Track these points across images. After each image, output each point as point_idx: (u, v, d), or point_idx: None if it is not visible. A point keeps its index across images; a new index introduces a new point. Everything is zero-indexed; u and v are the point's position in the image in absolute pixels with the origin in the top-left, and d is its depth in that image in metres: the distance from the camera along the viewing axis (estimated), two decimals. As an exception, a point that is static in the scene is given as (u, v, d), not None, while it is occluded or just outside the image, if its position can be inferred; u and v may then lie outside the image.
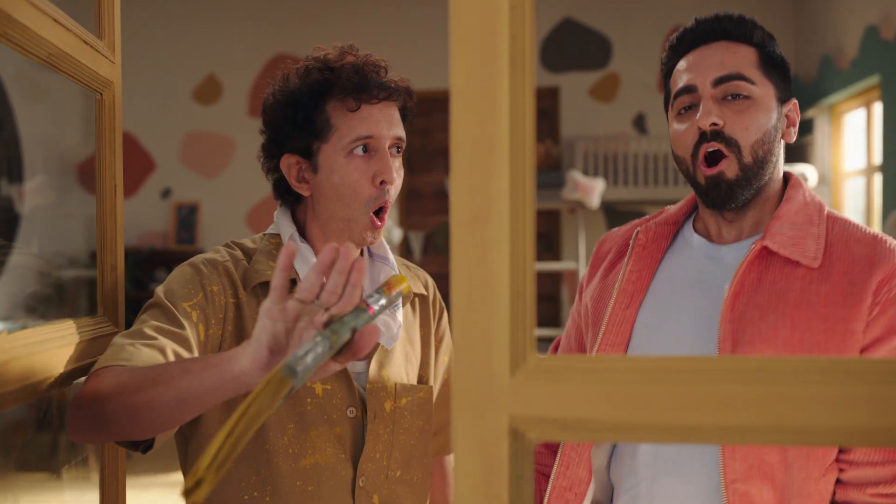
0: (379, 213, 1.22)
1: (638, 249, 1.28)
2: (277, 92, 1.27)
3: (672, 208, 1.33)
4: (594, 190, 4.95)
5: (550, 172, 5.31)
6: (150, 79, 6.41)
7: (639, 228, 1.30)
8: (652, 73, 6.11)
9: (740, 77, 1.18)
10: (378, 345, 1.23)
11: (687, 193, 1.33)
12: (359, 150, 1.21)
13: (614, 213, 6.29)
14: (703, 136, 1.17)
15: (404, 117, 1.26)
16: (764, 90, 1.19)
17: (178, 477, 4.70)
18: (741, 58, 1.19)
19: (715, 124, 1.16)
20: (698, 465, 1.16)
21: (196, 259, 1.21)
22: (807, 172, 5.01)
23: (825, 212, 1.24)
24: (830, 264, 1.17)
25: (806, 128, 5.23)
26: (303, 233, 1.28)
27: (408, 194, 6.62)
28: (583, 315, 1.35)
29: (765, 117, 1.18)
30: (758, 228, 1.24)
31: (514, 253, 0.69)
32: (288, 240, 1.25)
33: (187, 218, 6.71)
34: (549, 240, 6.70)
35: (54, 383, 0.98)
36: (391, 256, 1.32)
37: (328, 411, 1.19)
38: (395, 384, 1.25)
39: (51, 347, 0.99)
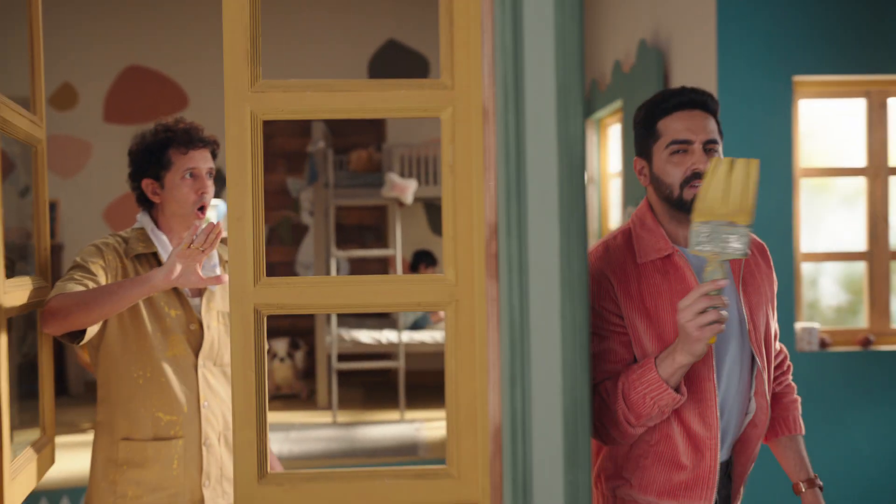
0: (201, 209, 2.09)
1: (673, 272, 1.75)
2: (139, 143, 2.10)
3: (643, 236, 1.79)
4: (408, 189, 5.87)
5: (373, 174, 6.19)
6: (6, 87, 6.83)
7: (674, 252, 1.75)
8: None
9: (716, 140, 1.74)
10: (206, 288, 2.10)
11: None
12: (188, 176, 2.07)
13: (431, 206, 7.26)
14: (696, 175, 1.71)
15: (214, 156, 2.13)
16: (721, 146, 1.76)
17: (74, 438, 5.29)
18: (714, 124, 1.75)
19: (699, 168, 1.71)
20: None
21: (97, 241, 2.03)
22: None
23: None
24: (754, 255, 1.86)
25: (578, 138, 6.36)
26: (156, 224, 2.12)
27: (253, 192, 7.32)
28: (635, 324, 1.75)
29: None
30: None
31: (254, 225, 1.58)
32: (150, 231, 2.09)
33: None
34: (378, 231, 7.61)
35: (19, 309, 1.80)
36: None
37: (179, 325, 2.05)
38: (218, 311, 2.12)
39: (16, 289, 1.80)
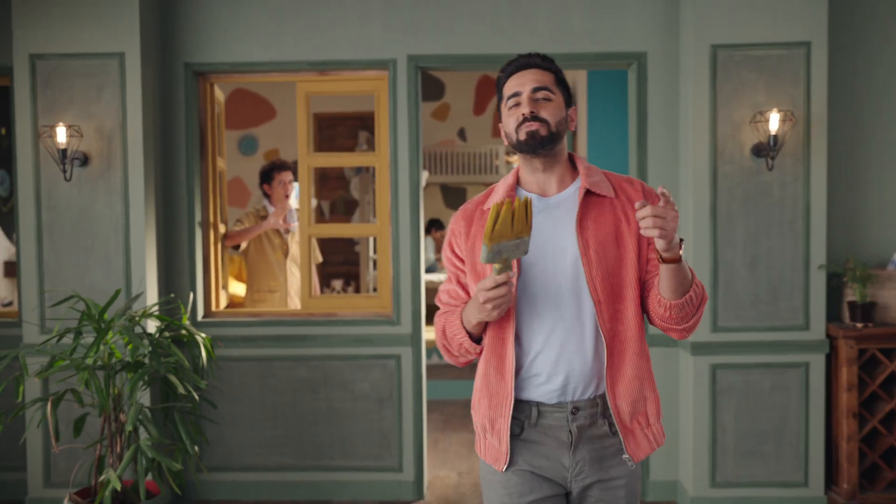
0: (286, 197, 4.74)
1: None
2: (263, 168, 4.76)
3: (499, 187, 1.90)
4: (422, 176, 8.28)
5: (401, 166, 8.66)
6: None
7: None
8: (469, 104, 9.17)
9: (546, 88, 1.81)
10: (290, 229, 4.77)
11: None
12: (280, 183, 4.74)
13: (447, 189, 9.60)
14: (524, 119, 1.78)
15: (294, 173, 4.78)
16: (558, 96, 1.82)
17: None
18: (547, 77, 1.83)
19: (532, 112, 1.78)
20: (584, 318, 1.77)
21: (245, 210, 4.74)
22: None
23: (598, 168, 1.90)
24: (619, 195, 1.85)
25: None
26: (269, 202, 4.78)
27: (321, 177, 8.61)
28: (468, 264, 1.86)
29: (560, 110, 1.81)
30: (564, 183, 1.85)
31: (308, 202, 4.26)
32: (266, 206, 4.78)
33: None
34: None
35: (222, 235, 4.54)
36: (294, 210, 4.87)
37: (278, 245, 4.64)
38: (295, 240, 4.79)
39: (221, 226, 4.54)
